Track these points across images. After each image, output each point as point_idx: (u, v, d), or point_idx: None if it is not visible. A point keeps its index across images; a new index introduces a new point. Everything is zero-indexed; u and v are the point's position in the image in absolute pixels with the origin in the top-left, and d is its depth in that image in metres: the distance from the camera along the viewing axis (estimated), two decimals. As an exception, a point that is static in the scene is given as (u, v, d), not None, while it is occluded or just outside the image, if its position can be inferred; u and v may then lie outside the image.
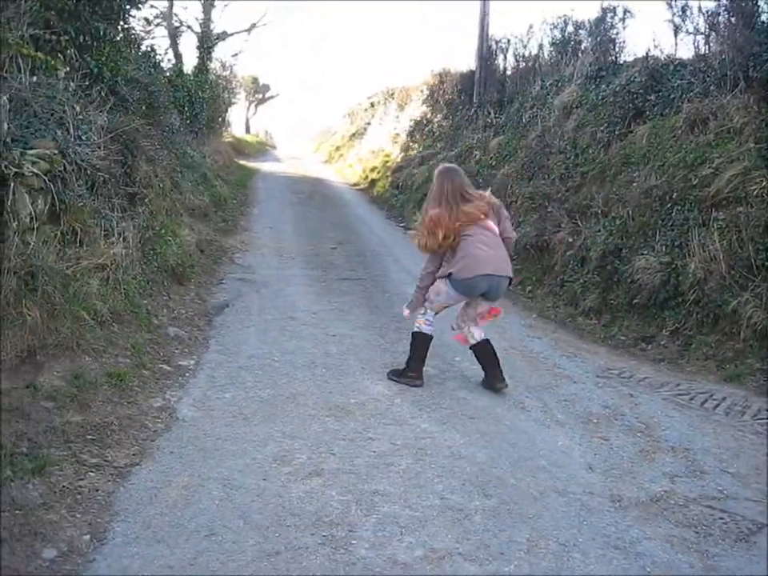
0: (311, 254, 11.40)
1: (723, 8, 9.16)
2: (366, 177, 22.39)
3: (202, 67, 18.22)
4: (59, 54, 7.48)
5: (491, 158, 13.63)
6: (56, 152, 6.34)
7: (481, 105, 16.33)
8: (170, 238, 8.81)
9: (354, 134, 31.00)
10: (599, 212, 9.25)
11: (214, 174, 16.32)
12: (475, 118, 16.30)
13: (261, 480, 4.08)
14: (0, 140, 5.44)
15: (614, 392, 6.18)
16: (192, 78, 17.03)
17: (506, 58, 16.90)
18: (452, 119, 18.17)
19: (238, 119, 42.01)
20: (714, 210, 7.61)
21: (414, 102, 22.82)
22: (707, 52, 9.65)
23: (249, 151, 31.93)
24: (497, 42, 16.96)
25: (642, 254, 8.06)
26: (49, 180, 6.04)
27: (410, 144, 20.53)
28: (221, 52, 23.03)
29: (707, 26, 9.52)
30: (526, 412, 5.55)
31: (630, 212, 8.67)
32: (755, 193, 7.25)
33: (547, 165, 11.24)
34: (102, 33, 8.21)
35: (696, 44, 10.00)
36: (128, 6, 8.93)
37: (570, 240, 9.44)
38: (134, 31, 11.93)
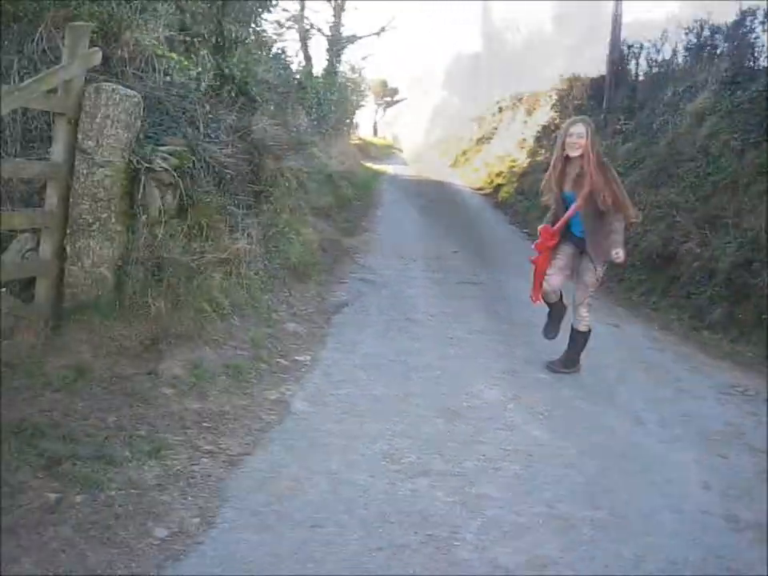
0: (432, 257, 11.39)
1: None
2: (492, 181, 22.26)
3: (331, 70, 18.57)
4: (192, 55, 7.75)
5: (619, 164, 13.31)
6: (186, 149, 6.56)
7: (610, 110, 16.00)
8: (293, 236, 8.98)
9: (481, 139, 30.88)
10: (730, 223, 8.90)
11: (339, 175, 16.55)
12: (604, 124, 15.96)
13: (368, 476, 4.10)
14: (133, 137, 5.66)
15: (736, 410, 5.94)
16: (321, 81, 17.34)
17: (638, 63, 16.52)
18: (581, 125, 17.86)
19: (365, 122, 42.60)
20: None
21: (543, 107, 22.55)
22: None
23: (375, 154, 32.30)
24: (629, 47, 16.60)
25: (776, 268, 7.73)
26: (178, 176, 6.24)
27: (538, 149, 20.28)
28: (350, 55, 23.27)
29: None
30: (642, 425, 5.40)
31: (763, 224, 8.31)
32: None
33: (677, 173, 10.91)
34: (233, 35, 8.47)
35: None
36: (259, 9, 9.16)
37: (698, 251, 9.12)
38: (265, 34, 12.28)
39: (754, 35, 12.08)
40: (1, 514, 3.14)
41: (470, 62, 18.25)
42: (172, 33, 7.48)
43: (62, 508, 3.36)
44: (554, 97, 21.15)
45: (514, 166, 21.30)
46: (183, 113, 7.04)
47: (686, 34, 14.56)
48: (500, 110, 29.55)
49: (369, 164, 26.51)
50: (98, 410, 4.45)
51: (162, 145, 6.32)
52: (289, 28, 19.70)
